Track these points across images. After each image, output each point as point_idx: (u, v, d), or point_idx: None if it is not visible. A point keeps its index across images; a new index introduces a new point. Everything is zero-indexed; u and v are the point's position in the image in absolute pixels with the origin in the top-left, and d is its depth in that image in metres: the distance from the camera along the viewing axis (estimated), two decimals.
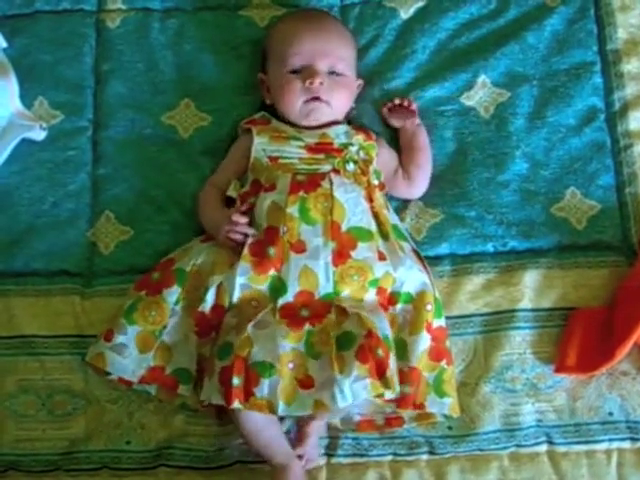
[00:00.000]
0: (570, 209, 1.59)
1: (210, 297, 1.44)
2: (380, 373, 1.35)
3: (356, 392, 1.34)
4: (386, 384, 1.35)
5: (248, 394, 1.34)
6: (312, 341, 1.37)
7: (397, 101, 1.62)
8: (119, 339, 1.46)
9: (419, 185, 1.60)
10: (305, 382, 1.35)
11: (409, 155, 1.60)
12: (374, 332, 1.37)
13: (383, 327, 1.41)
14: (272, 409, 1.34)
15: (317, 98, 1.53)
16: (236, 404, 1.34)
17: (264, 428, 1.41)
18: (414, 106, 1.62)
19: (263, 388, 1.34)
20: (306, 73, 1.54)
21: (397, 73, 1.67)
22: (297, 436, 1.46)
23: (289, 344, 1.37)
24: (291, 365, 1.35)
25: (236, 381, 1.34)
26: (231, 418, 1.44)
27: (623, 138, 1.62)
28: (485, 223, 1.58)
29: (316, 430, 1.46)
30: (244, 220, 1.45)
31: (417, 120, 1.61)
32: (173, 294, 1.47)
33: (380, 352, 1.35)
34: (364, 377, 1.34)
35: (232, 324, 1.42)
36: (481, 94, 1.66)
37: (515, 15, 1.70)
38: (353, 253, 1.43)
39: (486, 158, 1.62)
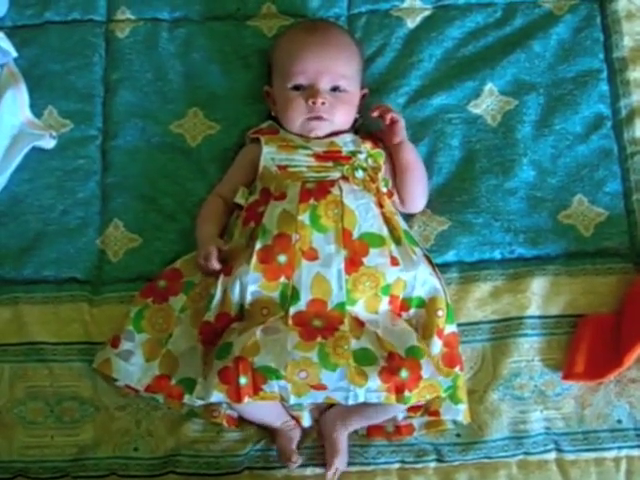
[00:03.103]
0: (577, 216, 1.60)
1: (215, 305, 1.45)
2: (399, 392, 1.36)
3: (368, 398, 1.36)
4: (401, 400, 1.36)
5: (257, 390, 1.35)
6: (326, 352, 1.37)
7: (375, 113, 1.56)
8: (126, 346, 1.47)
9: (412, 204, 1.58)
10: (318, 387, 1.36)
11: (397, 174, 1.58)
12: (395, 353, 1.38)
13: (406, 339, 1.41)
14: (283, 399, 1.37)
15: (318, 117, 1.54)
16: (246, 400, 1.35)
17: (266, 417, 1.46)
18: (399, 124, 1.55)
19: (272, 387, 1.35)
20: (309, 92, 1.55)
21: (404, 82, 1.68)
22: (328, 450, 1.45)
23: (299, 353, 1.37)
24: (303, 374, 1.35)
25: (243, 380, 1.34)
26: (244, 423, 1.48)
27: (630, 145, 1.63)
28: (492, 230, 1.58)
29: (346, 440, 1.46)
30: (217, 267, 1.45)
31: (398, 138, 1.56)
32: (178, 302, 1.48)
33: (404, 374, 1.36)
34: (381, 391, 1.35)
35: (237, 328, 1.43)
36: (488, 102, 1.67)
37: (521, 24, 1.71)
38: (365, 260, 1.43)
39: (493, 166, 1.62)
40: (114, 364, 1.46)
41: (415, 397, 1.37)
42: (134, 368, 1.46)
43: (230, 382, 1.35)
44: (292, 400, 1.36)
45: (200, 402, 1.41)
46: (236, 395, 1.35)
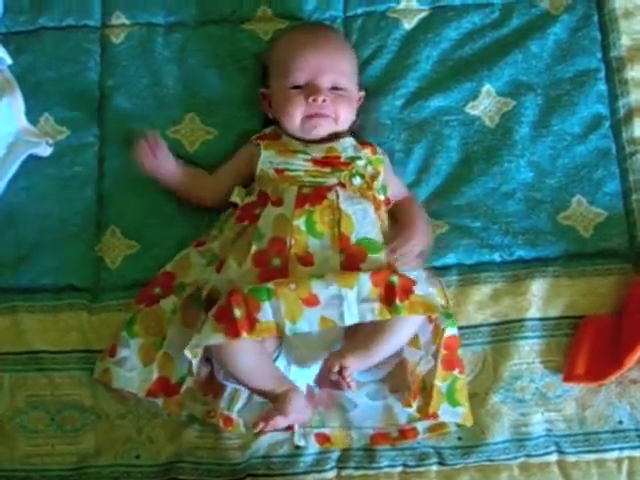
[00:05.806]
0: (576, 217, 1.59)
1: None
2: (389, 300, 1.35)
3: (362, 313, 1.35)
4: (393, 311, 1.34)
5: (252, 322, 1.33)
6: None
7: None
8: (122, 353, 1.46)
9: None
10: (310, 300, 1.35)
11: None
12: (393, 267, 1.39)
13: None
14: (279, 329, 1.34)
15: (319, 114, 1.54)
16: (244, 335, 1.32)
17: (259, 363, 1.38)
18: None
19: (266, 312, 1.33)
20: (309, 90, 1.54)
21: (401, 84, 1.67)
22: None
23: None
24: (293, 286, 1.35)
25: (238, 312, 1.32)
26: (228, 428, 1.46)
27: (628, 145, 1.62)
28: (491, 233, 1.58)
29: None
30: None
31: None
32: (169, 303, 1.48)
33: (394, 278, 1.35)
34: (373, 300, 1.34)
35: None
36: (486, 103, 1.66)
37: (518, 24, 1.70)
38: (363, 266, 1.42)
39: (491, 167, 1.62)
40: (113, 373, 1.46)
41: (407, 309, 1.34)
42: (133, 374, 1.45)
43: (225, 318, 1.33)
44: (288, 328, 1.33)
45: (195, 363, 1.36)
46: (233, 330, 1.31)
